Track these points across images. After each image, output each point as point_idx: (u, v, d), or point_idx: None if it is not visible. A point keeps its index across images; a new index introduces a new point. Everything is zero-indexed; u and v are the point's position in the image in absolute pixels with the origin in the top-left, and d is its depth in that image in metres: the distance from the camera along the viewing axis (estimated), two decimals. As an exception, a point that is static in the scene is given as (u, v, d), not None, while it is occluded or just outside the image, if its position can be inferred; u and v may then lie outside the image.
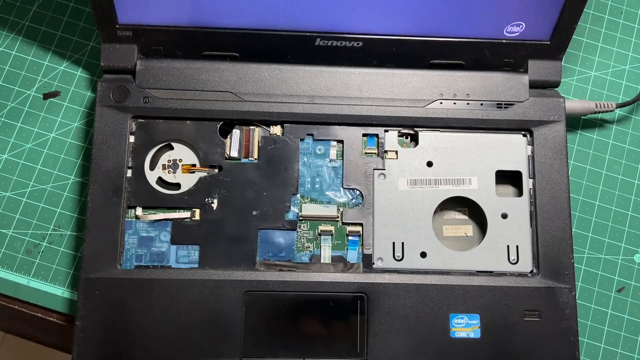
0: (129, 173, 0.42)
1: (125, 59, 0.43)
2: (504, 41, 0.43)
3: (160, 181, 0.43)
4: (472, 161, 0.43)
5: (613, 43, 0.50)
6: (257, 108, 0.43)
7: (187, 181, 0.43)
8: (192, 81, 0.43)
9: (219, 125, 0.43)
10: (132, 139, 0.42)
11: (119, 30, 0.42)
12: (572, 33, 0.42)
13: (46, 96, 0.46)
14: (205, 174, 0.43)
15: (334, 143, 0.44)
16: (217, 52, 0.43)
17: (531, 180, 0.43)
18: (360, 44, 0.43)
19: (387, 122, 0.43)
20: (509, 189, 0.44)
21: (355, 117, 0.43)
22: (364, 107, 0.43)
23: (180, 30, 0.42)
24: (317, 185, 0.43)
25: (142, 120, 0.43)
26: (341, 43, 0.43)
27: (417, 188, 0.43)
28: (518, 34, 0.43)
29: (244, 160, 0.43)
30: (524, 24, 0.42)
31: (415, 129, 0.44)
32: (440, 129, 0.44)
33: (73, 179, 0.45)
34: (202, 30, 0.42)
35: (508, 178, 0.44)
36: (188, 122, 0.43)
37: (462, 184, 0.43)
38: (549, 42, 0.43)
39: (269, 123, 0.43)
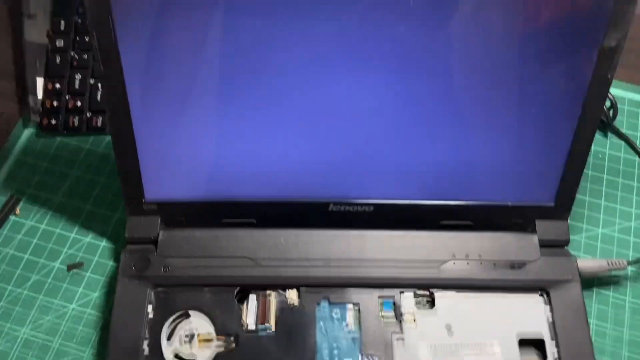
0: (146, 350, 0.41)
1: (149, 230, 0.44)
2: (509, 204, 0.45)
3: (176, 358, 0.42)
4: (492, 324, 0.42)
5: (615, 201, 0.51)
6: (273, 273, 0.43)
7: (203, 355, 0.42)
8: (210, 248, 0.44)
9: (235, 291, 0.43)
10: (149, 308, 0.43)
11: (145, 205, 0.44)
12: (574, 196, 0.44)
13: (70, 267, 0.48)
14: (222, 348, 0.42)
15: (350, 306, 0.43)
16: (235, 219, 0.45)
17: (556, 349, 0.42)
18: (372, 208, 0.45)
19: (402, 284, 0.44)
20: (533, 355, 0.42)
21: (369, 279, 0.44)
22: (378, 269, 0.44)
23: (203, 202, 0.44)
24: (336, 351, 0.42)
25: (161, 289, 0.43)
26: (353, 208, 0.45)
27: (439, 356, 0.41)
28: (522, 199, 0.44)
29: (260, 331, 0.42)
30: (527, 191, 0.44)
31: (431, 289, 0.44)
32: (456, 289, 0.44)
33: (90, 351, 0.44)
34: (223, 201, 0.44)
35: (531, 341, 0.43)
36: (205, 289, 0.43)
37: (484, 350, 0.42)
38: (553, 205, 0.45)
39: (284, 287, 0.44)
